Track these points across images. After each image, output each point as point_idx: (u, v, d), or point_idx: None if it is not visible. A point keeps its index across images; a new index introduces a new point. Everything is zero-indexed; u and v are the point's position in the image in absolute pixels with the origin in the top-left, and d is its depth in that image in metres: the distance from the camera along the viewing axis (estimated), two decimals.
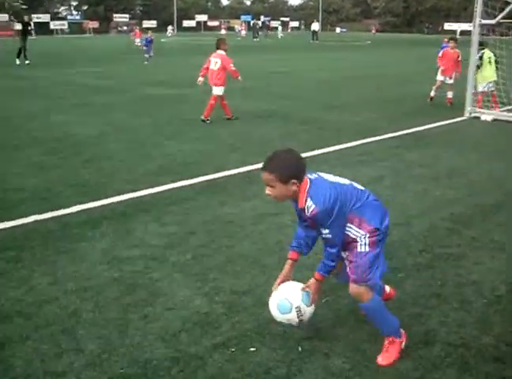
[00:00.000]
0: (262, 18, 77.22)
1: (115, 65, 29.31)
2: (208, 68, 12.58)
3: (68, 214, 6.55)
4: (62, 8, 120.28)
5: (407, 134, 11.20)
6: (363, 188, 3.72)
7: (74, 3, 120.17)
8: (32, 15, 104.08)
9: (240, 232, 5.96)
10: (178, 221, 6.28)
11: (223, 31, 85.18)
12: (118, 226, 6.14)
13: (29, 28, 31.20)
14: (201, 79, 12.68)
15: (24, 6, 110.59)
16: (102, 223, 6.22)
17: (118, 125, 12.10)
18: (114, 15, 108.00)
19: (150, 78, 22.02)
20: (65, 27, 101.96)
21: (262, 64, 28.79)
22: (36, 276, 4.98)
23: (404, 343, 3.85)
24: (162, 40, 57.06)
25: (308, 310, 3.78)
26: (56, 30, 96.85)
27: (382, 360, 3.76)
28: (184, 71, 24.65)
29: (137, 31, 48.63)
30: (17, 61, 28.78)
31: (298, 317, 3.75)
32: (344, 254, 3.74)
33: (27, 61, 28.58)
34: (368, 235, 3.59)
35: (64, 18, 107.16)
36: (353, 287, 3.66)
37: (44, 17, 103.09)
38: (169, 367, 3.70)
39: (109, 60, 32.86)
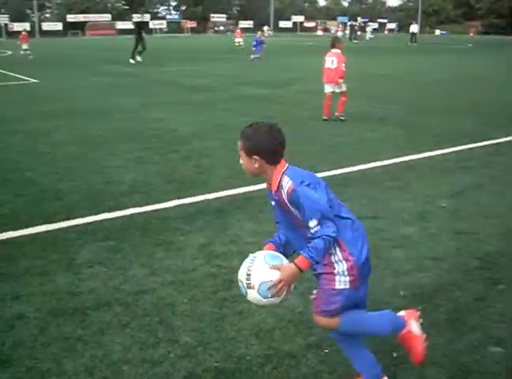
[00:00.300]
0: (359, 19, 76.21)
1: (213, 63, 29.80)
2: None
3: (166, 208, 6.73)
4: (162, 8, 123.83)
5: (510, 141, 10.77)
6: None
7: (173, 3, 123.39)
8: (133, 15, 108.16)
9: None
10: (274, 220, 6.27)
11: (319, 33, 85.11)
12: (214, 222, 6.24)
13: (143, 27, 31.92)
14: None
15: (125, 7, 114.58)
16: (199, 218, 6.34)
17: (215, 123, 12.28)
18: (212, 15, 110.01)
19: (247, 77, 22.23)
20: (164, 26, 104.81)
21: (359, 66, 28.44)
22: (135, 267, 5.14)
23: None
24: None
25: (260, 272, 3.12)
26: (155, 29, 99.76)
27: None
28: (280, 71, 24.78)
29: (238, 30, 49.18)
30: (138, 59, 29.52)
31: (247, 270, 3.18)
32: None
33: (132, 61, 29.27)
34: (348, 271, 3.13)
35: (163, 18, 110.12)
36: (315, 318, 3.33)
37: (144, 17, 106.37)
38: (262, 364, 3.72)
39: (206, 59, 33.44)
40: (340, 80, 12.45)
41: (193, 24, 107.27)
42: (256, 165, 3.21)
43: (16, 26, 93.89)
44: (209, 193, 7.20)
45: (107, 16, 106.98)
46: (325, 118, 12.54)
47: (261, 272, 3.10)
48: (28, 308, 4.47)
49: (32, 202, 7.07)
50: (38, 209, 6.79)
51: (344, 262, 3.13)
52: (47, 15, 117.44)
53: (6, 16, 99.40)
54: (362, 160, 8.85)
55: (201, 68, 26.92)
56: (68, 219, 6.38)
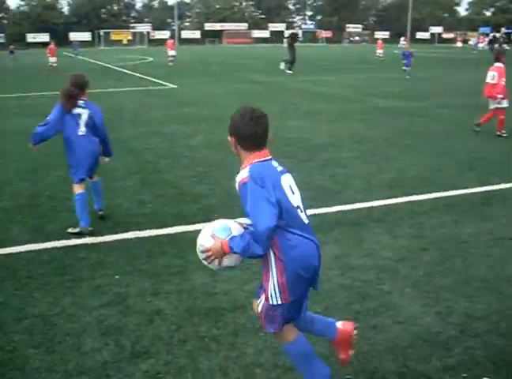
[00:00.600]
0: (503, 30, 72.74)
1: (348, 74, 29.61)
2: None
3: None
4: (298, 18, 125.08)
5: None
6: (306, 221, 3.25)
7: (309, 13, 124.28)
8: (269, 24, 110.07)
9: (475, 254, 5.69)
10: (411, 235, 6.16)
11: (458, 44, 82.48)
12: (350, 234, 6.21)
13: (297, 38, 31.70)
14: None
15: (262, 16, 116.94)
16: (334, 229, 6.33)
17: (350, 133, 12.19)
18: (347, 25, 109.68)
19: (383, 89, 21.84)
20: (300, 36, 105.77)
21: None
22: None
23: None
24: (394, 51, 56.66)
25: (202, 235, 3.27)
26: None
27: None
28: (417, 84, 24.16)
29: (380, 41, 48.71)
30: (282, 67, 29.60)
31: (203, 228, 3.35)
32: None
33: (288, 71, 28.98)
34: (279, 287, 3.19)
35: (299, 27, 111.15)
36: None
37: (280, 26, 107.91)
38: None
39: (342, 69, 33.30)
40: (500, 96, 11.74)
41: (328, 33, 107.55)
42: (232, 147, 3.32)
43: (158, 34, 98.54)
44: (345, 204, 7.17)
45: (244, 25, 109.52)
46: (499, 133, 11.96)
47: (203, 235, 3.28)
48: (166, 305, 4.67)
49: (170, 203, 7.35)
50: (176, 210, 7.06)
51: (277, 286, 3.20)
52: (187, 24, 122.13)
53: (149, 25, 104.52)
54: (505, 179, 8.43)
55: (337, 78, 26.84)
56: (205, 221, 6.53)
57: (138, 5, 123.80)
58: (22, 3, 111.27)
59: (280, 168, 3.28)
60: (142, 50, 79.51)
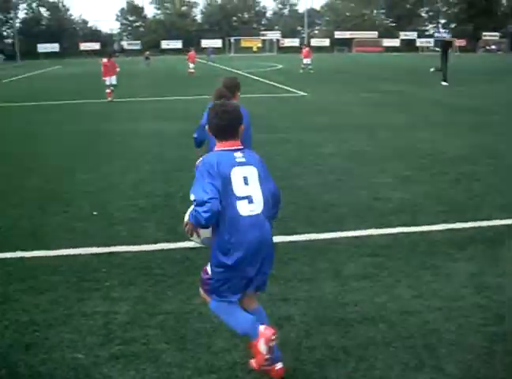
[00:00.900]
0: None
1: (482, 84, 28.41)
2: None
3: (434, 231, 6.58)
4: (430, 26, 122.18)
5: None
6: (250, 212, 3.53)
7: (443, 21, 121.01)
8: (400, 32, 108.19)
9: None
10: None
11: None
12: (486, 251, 5.94)
13: (450, 48, 29.86)
14: None
15: (393, 24, 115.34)
16: (469, 245, 6.10)
17: (485, 147, 11.63)
18: (484, 33, 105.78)
19: None
20: (431, 44, 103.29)
21: None
22: (400, 286, 5.11)
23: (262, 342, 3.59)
24: None
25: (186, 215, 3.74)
26: (422, 47, 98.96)
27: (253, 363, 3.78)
28: None
29: None
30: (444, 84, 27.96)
31: None
32: None
33: (444, 83, 27.30)
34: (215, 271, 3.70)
35: (431, 36, 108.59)
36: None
37: (411, 35, 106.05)
38: None
39: (478, 80, 31.98)
40: None
41: (462, 42, 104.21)
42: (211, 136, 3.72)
43: (287, 42, 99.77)
44: (481, 220, 6.87)
45: (374, 33, 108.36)
46: None
47: (187, 213, 3.73)
48: (295, 311, 4.69)
49: (300, 210, 7.39)
50: (306, 217, 7.09)
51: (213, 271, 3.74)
52: (316, 31, 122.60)
53: (279, 32, 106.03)
54: None
55: (472, 88, 25.72)
56: (336, 230, 6.55)
57: (269, 13, 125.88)
58: (158, 12, 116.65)
59: (241, 159, 3.57)
60: (272, 57, 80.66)
